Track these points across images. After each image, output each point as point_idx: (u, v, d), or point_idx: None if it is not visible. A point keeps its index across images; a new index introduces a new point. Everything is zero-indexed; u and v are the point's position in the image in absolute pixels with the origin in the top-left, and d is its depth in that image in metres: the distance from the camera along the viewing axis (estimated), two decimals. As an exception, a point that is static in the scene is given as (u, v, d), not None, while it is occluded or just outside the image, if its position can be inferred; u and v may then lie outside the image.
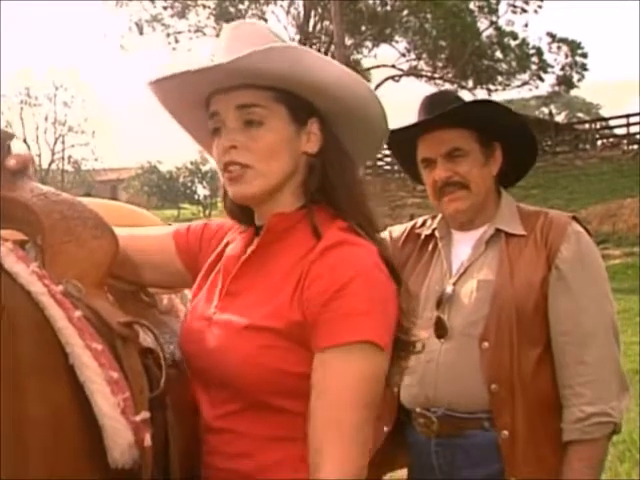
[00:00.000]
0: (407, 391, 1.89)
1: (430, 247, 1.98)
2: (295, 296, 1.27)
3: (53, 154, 45.22)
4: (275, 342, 1.26)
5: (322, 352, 1.22)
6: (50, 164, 45.05)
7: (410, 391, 1.89)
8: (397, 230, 2.09)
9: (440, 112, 1.86)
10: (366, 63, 32.42)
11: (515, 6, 30.33)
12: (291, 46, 1.33)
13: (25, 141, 43.32)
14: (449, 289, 1.88)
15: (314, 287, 1.25)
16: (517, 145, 1.93)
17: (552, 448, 1.79)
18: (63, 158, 45.89)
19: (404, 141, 1.95)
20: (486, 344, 1.79)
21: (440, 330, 1.85)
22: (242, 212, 1.43)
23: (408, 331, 1.36)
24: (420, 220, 2.09)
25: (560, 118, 45.44)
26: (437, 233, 1.98)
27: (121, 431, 1.09)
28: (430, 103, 1.93)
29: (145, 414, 1.13)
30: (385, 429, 1.93)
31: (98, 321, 1.20)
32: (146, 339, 1.29)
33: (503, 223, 1.90)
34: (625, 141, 26.70)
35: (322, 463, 1.19)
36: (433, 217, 2.04)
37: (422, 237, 2.01)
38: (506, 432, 1.77)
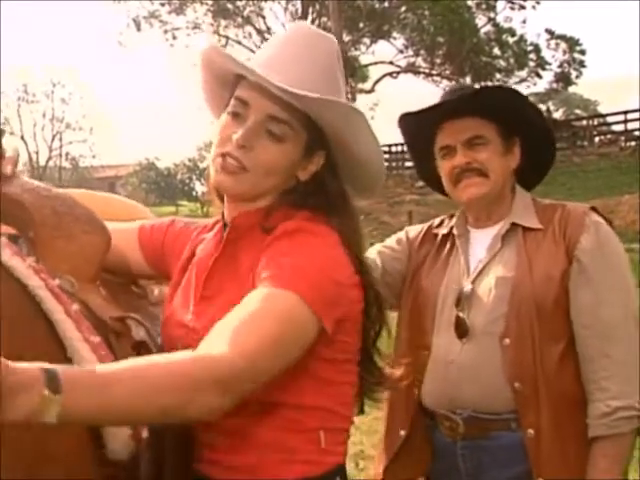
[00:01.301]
0: (429, 393, 1.86)
1: (447, 246, 1.96)
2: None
3: (51, 151, 45.17)
4: None
5: (254, 289, 1.23)
6: (48, 161, 45.00)
7: (433, 393, 1.86)
8: (414, 230, 2.07)
9: (456, 96, 1.85)
10: (364, 60, 32.43)
11: (513, 2, 30.33)
12: (354, 107, 1.35)
13: (23, 138, 43.25)
14: (467, 288, 1.85)
15: (259, 267, 1.27)
16: (536, 144, 1.92)
17: (578, 445, 1.75)
18: (61, 155, 45.84)
19: (421, 131, 1.93)
20: (507, 341, 1.76)
21: (461, 330, 1.82)
22: None
23: (379, 366, 1.42)
24: (437, 220, 2.07)
25: (558, 115, 45.33)
26: (455, 231, 1.96)
27: None
28: (452, 91, 1.93)
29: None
30: (402, 433, 1.90)
31: (91, 316, 1.21)
32: (139, 333, 1.30)
33: (518, 217, 1.88)
34: (623, 138, 26.67)
35: (216, 342, 1.13)
36: (450, 216, 2.03)
37: (439, 237, 1.99)
38: (531, 431, 1.73)
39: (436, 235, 2.01)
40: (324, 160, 1.38)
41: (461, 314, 1.83)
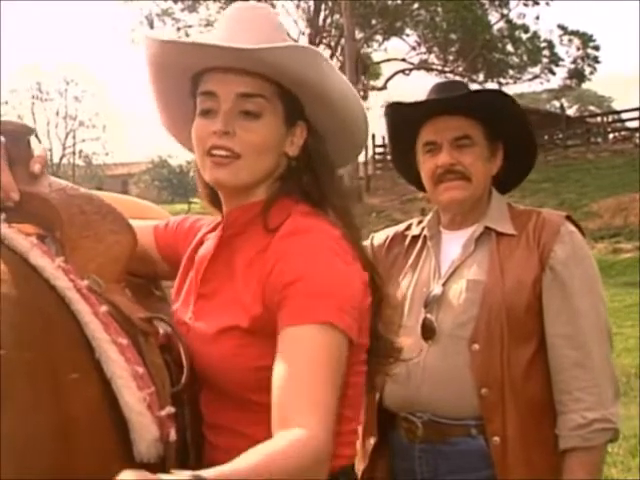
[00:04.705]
0: (392, 394, 1.84)
1: (417, 248, 1.95)
2: (258, 291, 1.25)
3: (64, 149, 45.32)
4: (245, 340, 1.26)
5: (284, 330, 1.19)
6: (61, 158, 45.14)
7: (395, 394, 1.84)
8: (379, 237, 2.05)
9: (455, 95, 1.83)
10: (376, 57, 32.35)
11: (526, -1, 30.15)
12: (313, 48, 1.32)
13: (36, 136, 43.35)
14: (438, 290, 1.83)
15: (272, 276, 1.24)
16: (517, 150, 1.90)
17: (542, 453, 1.75)
18: (74, 152, 45.99)
19: (406, 124, 1.90)
20: (476, 346, 1.75)
21: (427, 331, 1.81)
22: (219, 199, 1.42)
23: (387, 338, 1.37)
24: (404, 224, 2.06)
25: (572, 111, 45.17)
26: (427, 232, 1.94)
27: (147, 426, 1.09)
28: (441, 89, 1.90)
29: (170, 409, 1.14)
30: (372, 440, 1.88)
31: (120, 316, 1.20)
32: (165, 335, 1.30)
33: (492, 222, 1.86)
34: (637, 134, 26.52)
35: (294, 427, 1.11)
36: (419, 222, 2.02)
37: (409, 238, 1.98)
38: (497, 438, 1.72)
39: (405, 237, 1.99)
40: (307, 130, 1.35)
41: (429, 315, 1.81)
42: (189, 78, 1.36)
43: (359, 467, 1.92)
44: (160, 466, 1.12)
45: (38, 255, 1.12)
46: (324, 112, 1.35)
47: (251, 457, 0.99)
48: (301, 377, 1.14)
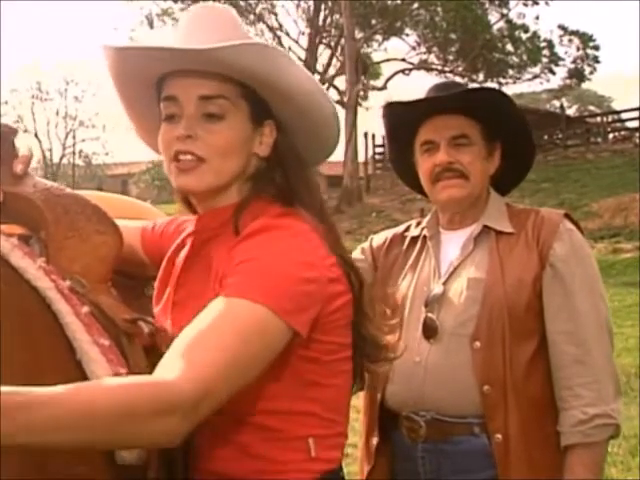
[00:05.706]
0: (394, 393, 1.84)
1: (417, 248, 1.95)
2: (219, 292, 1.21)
3: (64, 148, 45.31)
4: None
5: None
6: (61, 158, 45.18)
7: (397, 393, 1.83)
8: (379, 238, 2.05)
9: (452, 92, 1.83)
10: (376, 57, 32.37)
11: (526, -2, 30.15)
12: (270, 45, 1.30)
13: (36, 135, 43.50)
14: (438, 289, 1.83)
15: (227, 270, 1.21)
16: (515, 150, 1.90)
17: (543, 451, 1.74)
18: (74, 152, 45.97)
19: (404, 123, 1.90)
20: (478, 344, 1.75)
21: (428, 330, 1.80)
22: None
23: (373, 336, 1.36)
24: (403, 226, 2.06)
25: (571, 111, 45.19)
26: (426, 232, 1.94)
27: None
28: (439, 88, 1.90)
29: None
30: (374, 441, 1.88)
31: (102, 317, 1.19)
32: (151, 336, 1.29)
33: (491, 220, 1.86)
34: (637, 134, 26.52)
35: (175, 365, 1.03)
36: (418, 223, 2.02)
37: (408, 239, 1.98)
38: (499, 436, 1.72)
39: (404, 238, 1.99)
40: (274, 128, 1.34)
41: (430, 314, 1.81)
42: (154, 84, 1.34)
43: (363, 469, 1.92)
44: (142, 469, 1.12)
45: (19, 256, 1.11)
46: (289, 109, 1.33)
47: (61, 388, 0.91)
48: (200, 336, 1.07)
